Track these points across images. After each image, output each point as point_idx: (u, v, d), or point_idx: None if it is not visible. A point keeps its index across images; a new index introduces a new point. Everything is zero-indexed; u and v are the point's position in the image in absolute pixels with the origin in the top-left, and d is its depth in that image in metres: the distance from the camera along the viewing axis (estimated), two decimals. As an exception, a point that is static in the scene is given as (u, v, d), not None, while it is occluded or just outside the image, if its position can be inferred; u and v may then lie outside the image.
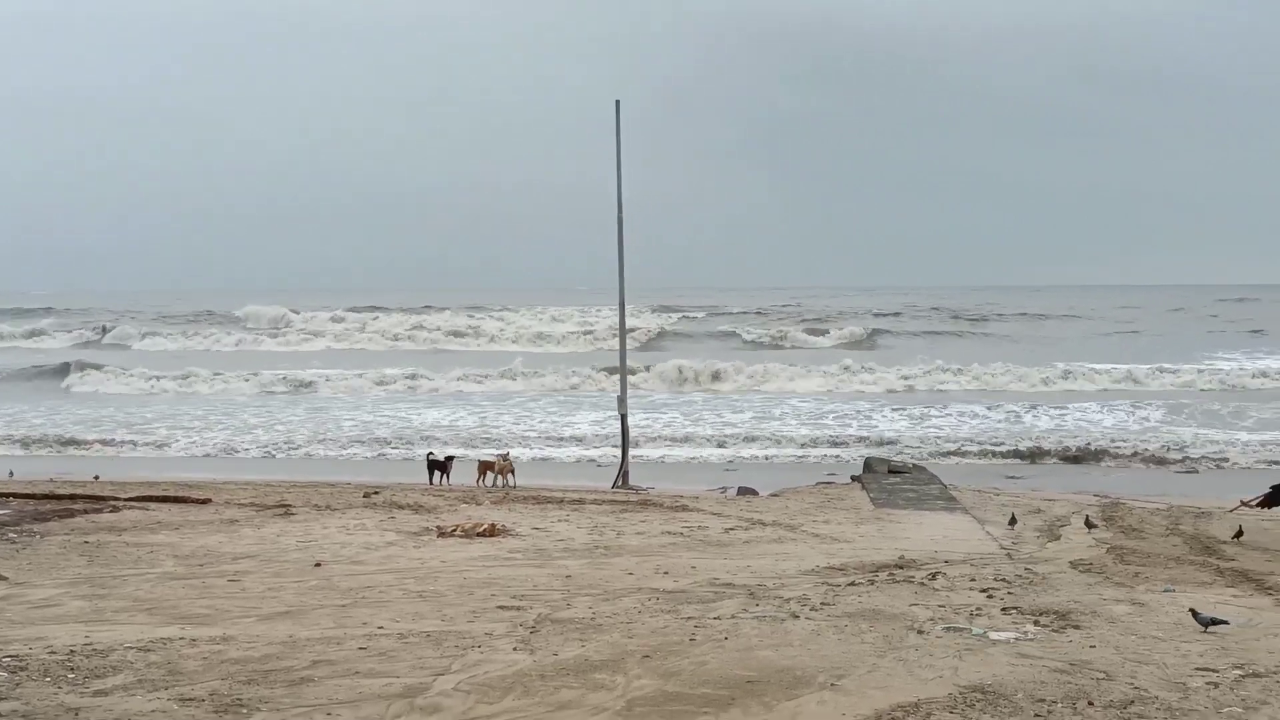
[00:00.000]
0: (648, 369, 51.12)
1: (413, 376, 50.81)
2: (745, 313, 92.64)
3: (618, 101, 26.49)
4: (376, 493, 21.91)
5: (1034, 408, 40.25)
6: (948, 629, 11.42)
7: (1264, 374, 49.93)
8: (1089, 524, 18.39)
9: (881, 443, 32.89)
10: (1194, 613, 11.72)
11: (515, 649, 10.67)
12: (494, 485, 23.85)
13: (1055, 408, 40.30)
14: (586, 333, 75.03)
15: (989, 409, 40.13)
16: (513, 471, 24.30)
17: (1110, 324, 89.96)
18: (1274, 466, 28.88)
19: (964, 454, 31.18)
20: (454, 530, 17.40)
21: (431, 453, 26.28)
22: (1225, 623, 11.53)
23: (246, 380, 50.42)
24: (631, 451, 26.72)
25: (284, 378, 50.80)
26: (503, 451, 26.40)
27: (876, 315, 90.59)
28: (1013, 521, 18.62)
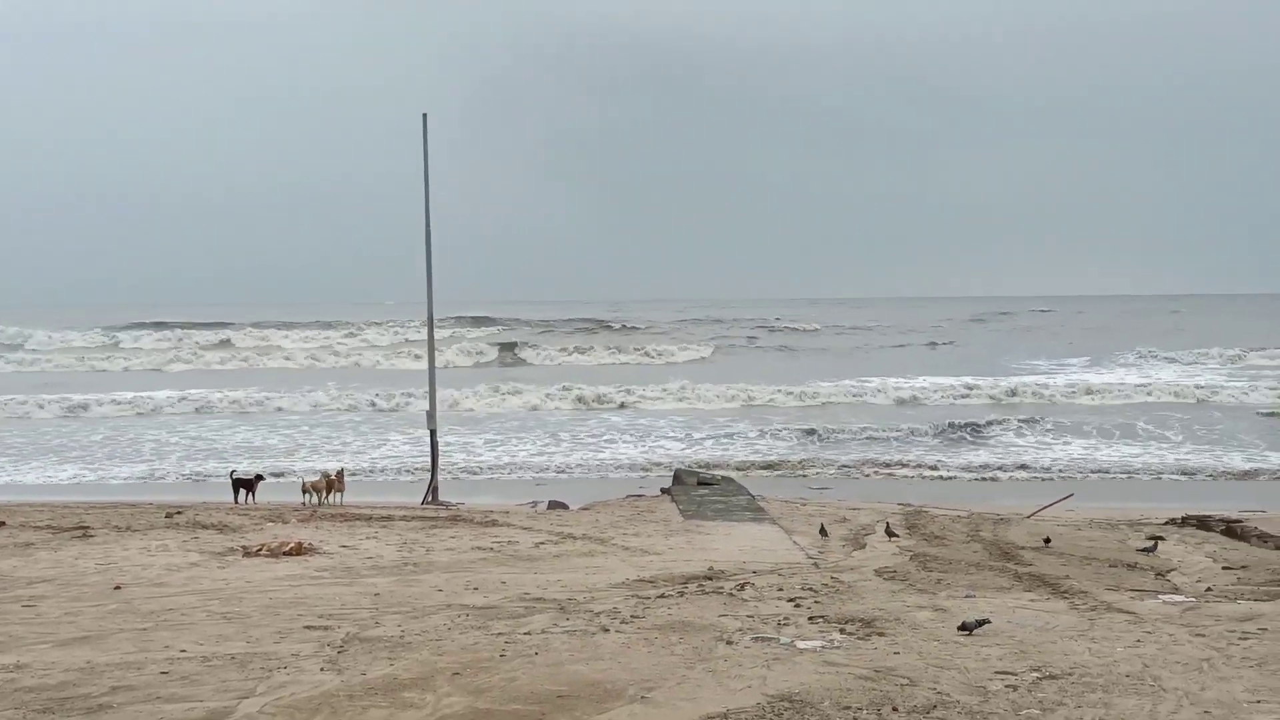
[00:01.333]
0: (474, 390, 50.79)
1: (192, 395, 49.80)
2: (549, 322, 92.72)
3: (425, 115, 26.31)
4: (179, 512, 21.42)
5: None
6: (756, 639, 11.53)
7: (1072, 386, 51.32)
8: (890, 533, 18.76)
9: (707, 463, 33.09)
10: (962, 626, 11.98)
11: (322, 669, 10.50)
12: (319, 503, 23.45)
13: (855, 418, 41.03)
14: (397, 347, 74.53)
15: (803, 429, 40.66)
16: (342, 490, 23.98)
17: (921, 335, 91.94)
18: (1070, 477, 29.79)
19: (775, 467, 31.51)
20: (259, 549, 17.09)
21: (234, 470, 25.76)
22: (988, 621, 11.85)
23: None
24: (442, 466, 26.53)
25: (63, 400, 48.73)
26: (333, 469, 25.89)
27: (684, 321, 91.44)
28: (823, 532, 18.89)
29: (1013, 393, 47.80)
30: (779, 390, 48.28)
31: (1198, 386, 49.47)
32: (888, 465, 31.34)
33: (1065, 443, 35.45)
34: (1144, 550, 17.79)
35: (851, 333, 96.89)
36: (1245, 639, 11.64)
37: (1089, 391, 48.31)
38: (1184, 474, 30.10)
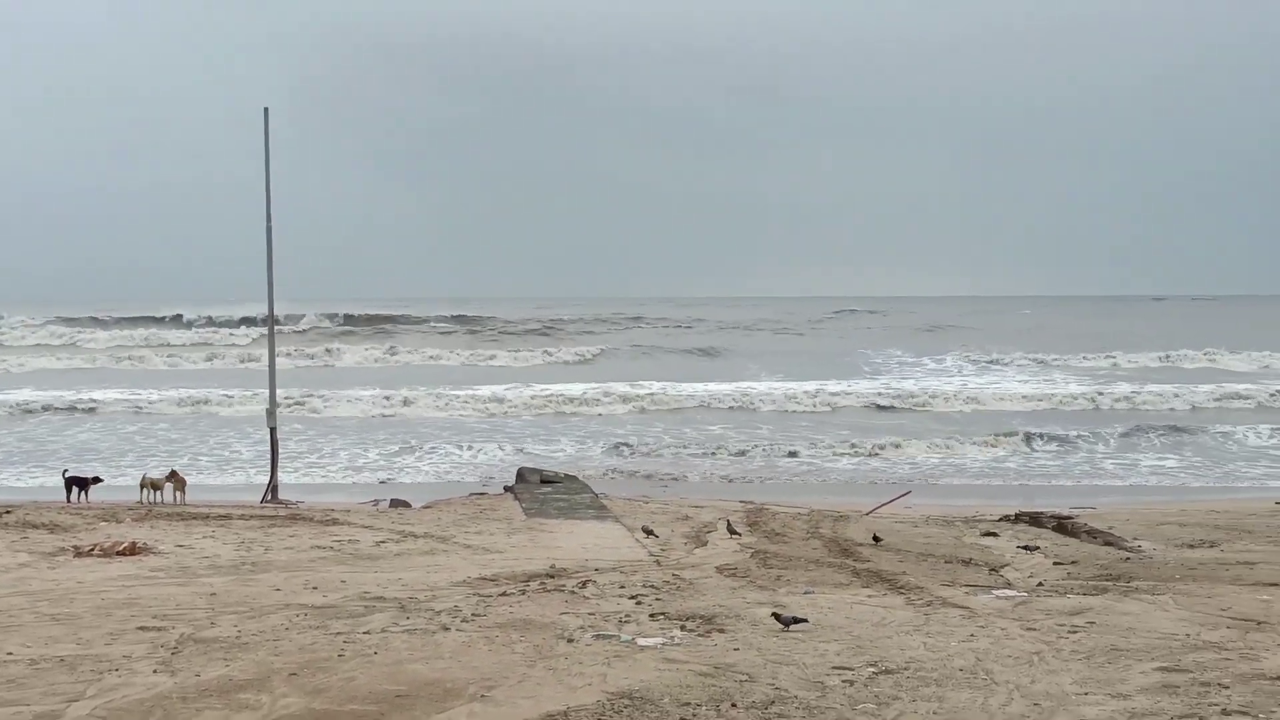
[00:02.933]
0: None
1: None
2: (413, 318, 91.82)
3: (266, 109, 25.92)
4: (9, 511, 20.82)
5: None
6: (597, 636, 11.54)
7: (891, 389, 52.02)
8: (731, 530, 18.90)
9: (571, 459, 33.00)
10: (776, 615, 12.13)
11: (155, 671, 10.29)
12: (155, 501, 22.95)
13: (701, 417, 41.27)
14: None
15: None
16: (183, 488, 23.50)
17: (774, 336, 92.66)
18: (901, 480, 30.28)
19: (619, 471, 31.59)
20: (92, 549, 16.70)
21: (67, 469, 25.16)
22: (805, 620, 12.00)
23: None
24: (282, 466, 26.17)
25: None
26: (171, 469, 25.31)
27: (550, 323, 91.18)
28: (649, 532, 18.93)
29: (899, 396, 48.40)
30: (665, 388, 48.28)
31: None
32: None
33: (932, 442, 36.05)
34: (1024, 547, 18.12)
35: (732, 332, 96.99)
36: (1074, 632, 11.93)
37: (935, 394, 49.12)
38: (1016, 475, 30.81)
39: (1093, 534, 19.08)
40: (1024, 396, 47.64)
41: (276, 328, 28.72)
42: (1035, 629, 12.10)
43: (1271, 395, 47.06)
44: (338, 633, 11.70)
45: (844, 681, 10.06)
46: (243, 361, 64.84)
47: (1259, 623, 12.59)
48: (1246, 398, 47.07)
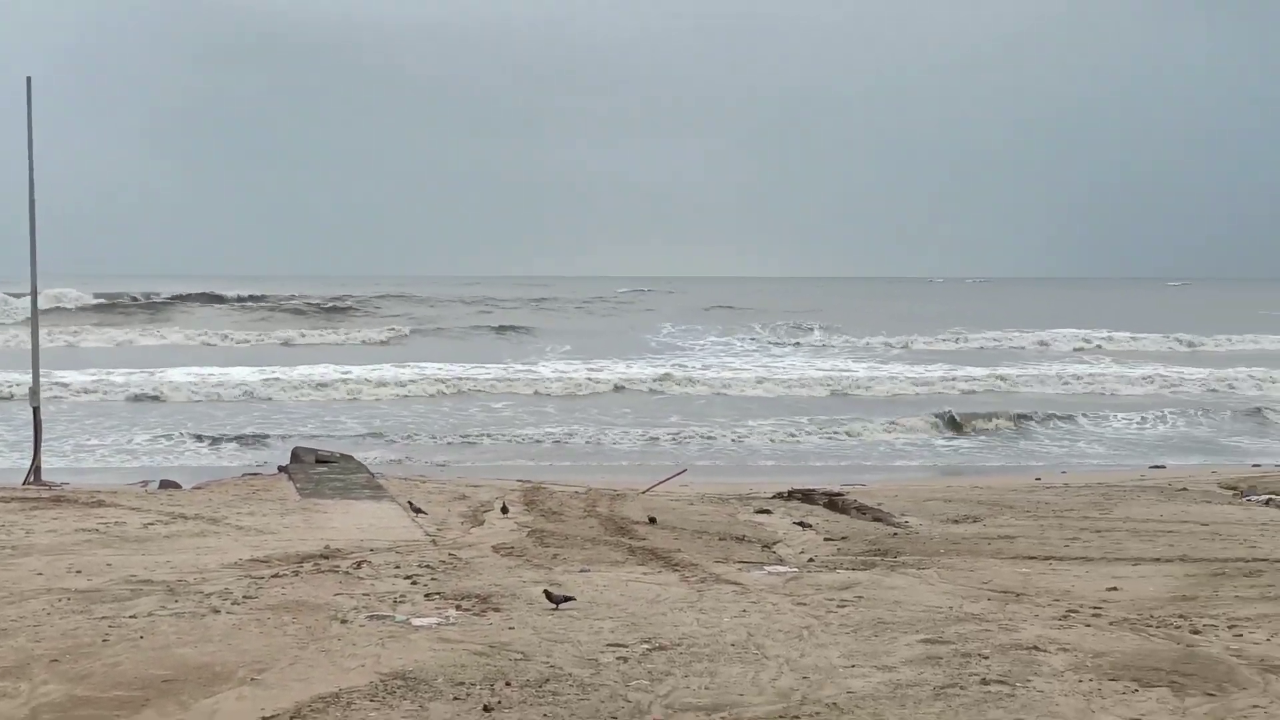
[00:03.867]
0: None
1: None
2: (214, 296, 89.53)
3: (29, 78, 25.00)
4: None
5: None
6: (371, 617, 11.44)
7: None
8: (504, 509, 18.86)
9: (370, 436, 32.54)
10: (548, 594, 12.18)
11: (-94, 660, 9.89)
12: None
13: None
14: None
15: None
16: None
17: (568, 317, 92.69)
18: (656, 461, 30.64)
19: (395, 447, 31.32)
20: None
21: None
22: (573, 599, 12.07)
23: None
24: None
25: None
26: None
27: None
28: (416, 509, 18.80)
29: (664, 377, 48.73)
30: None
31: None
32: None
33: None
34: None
35: (522, 310, 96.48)
36: (843, 606, 12.21)
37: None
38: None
39: (862, 510, 19.54)
40: (816, 380, 48.25)
41: (41, 307, 27.74)
42: (805, 604, 12.35)
43: (1064, 381, 48.49)
44: (102, 617, 11.38)
45: (618, 659, 10.14)
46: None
47: (1018, 594, 13.06)
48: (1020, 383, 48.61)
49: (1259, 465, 27.52)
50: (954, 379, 48.26)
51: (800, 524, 18.42)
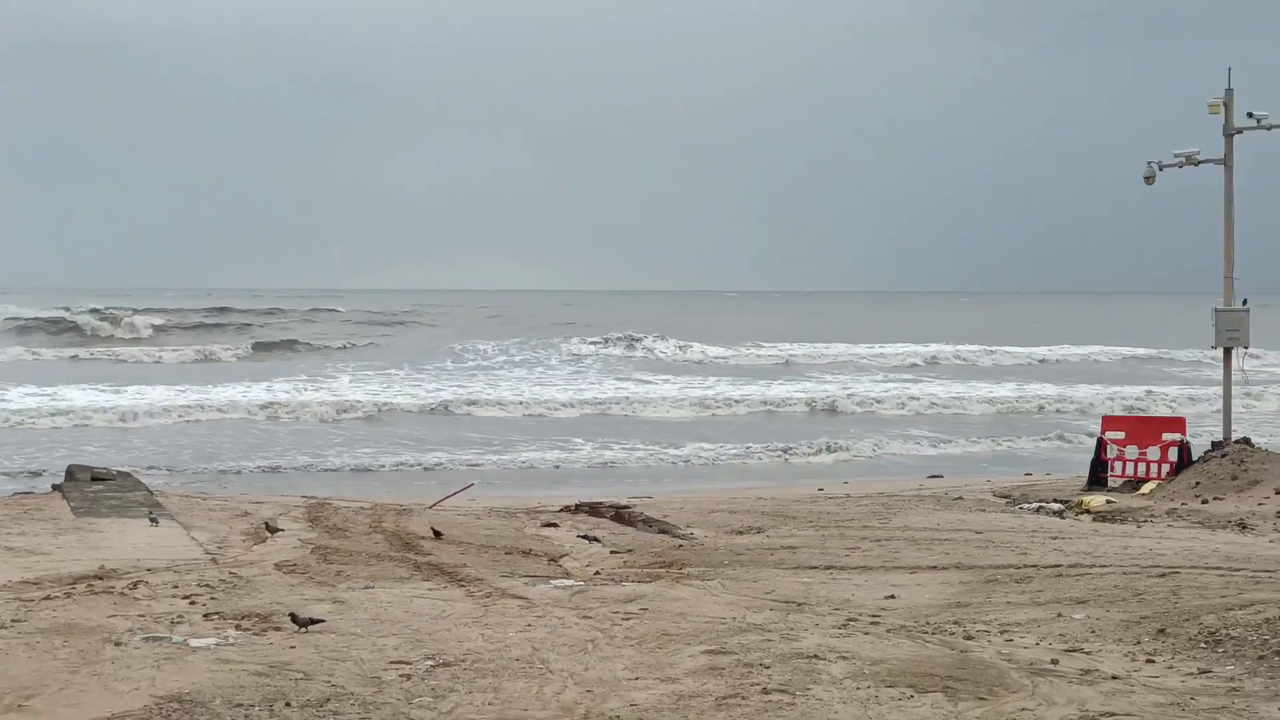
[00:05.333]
0: None
1: None
2: None
3: None
4: None
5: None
6: (147, 639, 11.14)
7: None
8: (269, 528, 18.21)
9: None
10: (293, 617, 11.97)
11: None
12: None
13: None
14: None
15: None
16: None
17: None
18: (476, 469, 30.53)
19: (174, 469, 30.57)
20: None
21: None
22: (322, 620, 11.89)
23: None
24: None
25: None
26: None
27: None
28: (154, 521, 18.37)
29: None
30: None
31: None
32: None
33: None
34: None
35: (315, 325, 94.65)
36: (628, 619, 12.28)
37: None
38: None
39: (648, 522, 19.68)
40: (585, 400, 48.07)
41: None
42: (591, 617, 12.39)
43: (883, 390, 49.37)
44: None
45: (401, 676, 10.05)
46: None
47: (799, 604, 13.30)
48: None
49: (1030, 474, 28.43)
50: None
51: (587, 537, 18.48)
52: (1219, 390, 25.95)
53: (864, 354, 71.85)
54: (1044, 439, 36.60)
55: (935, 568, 15.54)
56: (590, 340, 78.13)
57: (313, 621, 11.78)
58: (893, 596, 13.77)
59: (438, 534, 18.24)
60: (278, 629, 11.61)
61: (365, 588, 13.86)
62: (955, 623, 12.35)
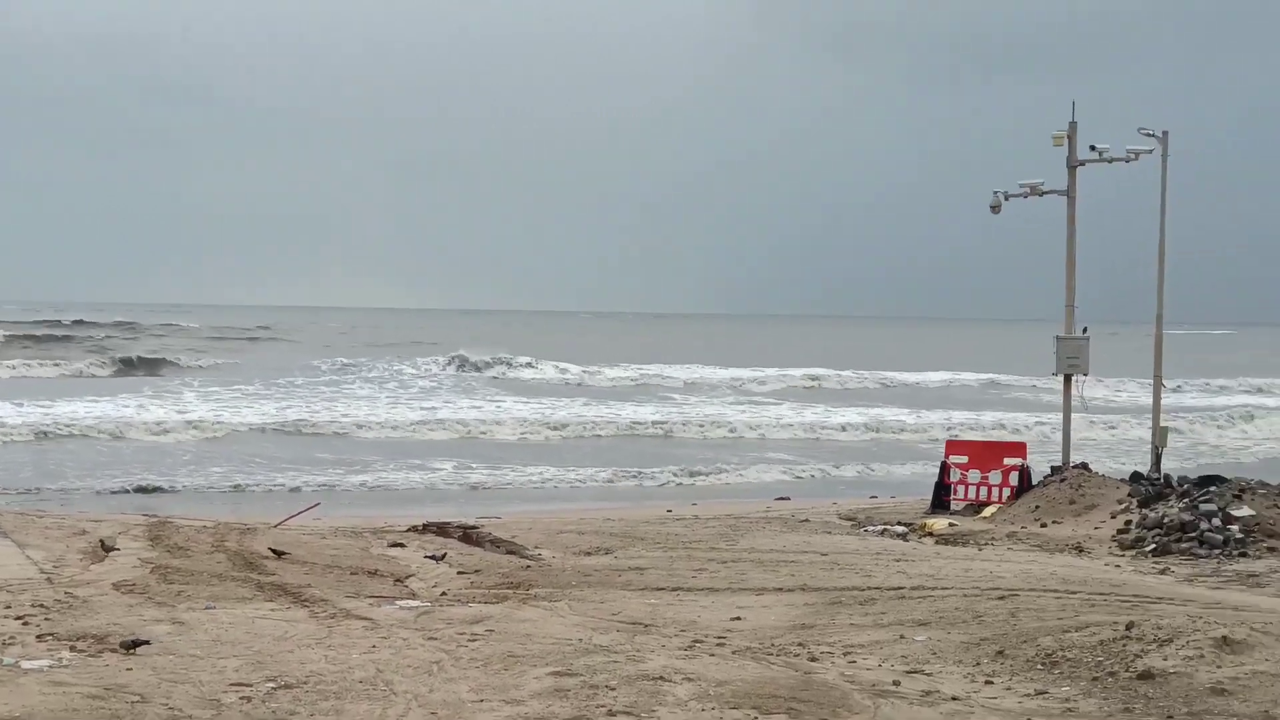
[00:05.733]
0: None
1: None
2: None
3: None
4: None
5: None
6: (-24, 661, 10.85)
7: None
8: (105, 546, 17.75)
9: None
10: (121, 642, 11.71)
11: None
12: None
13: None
14: None
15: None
16: None
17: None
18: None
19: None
20: None
21: None
22: (148, 643, 11.65)
23: None
24: None
25: None
26: None
27: None
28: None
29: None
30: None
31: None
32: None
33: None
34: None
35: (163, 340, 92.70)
36: (474, 640, 12.22)
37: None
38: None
39: (496, 543, 19.58)
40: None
41: None
42: (436, 638, 12.31)
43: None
44: None
45: (242, 698, 9.89)
46: None
47: (646, 625, 13.32)
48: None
49: (875, 496, 28.81)
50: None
51: (434, 557, 18.33)
52: (1070, 416, 26.42)
53: (721, 376, 72.40)
54: (900, 464, 37.02)
55: (781, 589, 15.66)
56: (442, 359, 77.66)
57: (137, 644, 11.51)
58: (739, 618, 13.84)
59: (279, 553, 17.95)
60: (114, 650, 11.36)
61: (206, 608, 13.62)
62: (800, 644, 12.46)
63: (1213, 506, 19.99)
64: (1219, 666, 10.99)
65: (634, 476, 33.40)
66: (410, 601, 14.64)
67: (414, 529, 21.61)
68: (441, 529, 21.22)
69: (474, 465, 34.45)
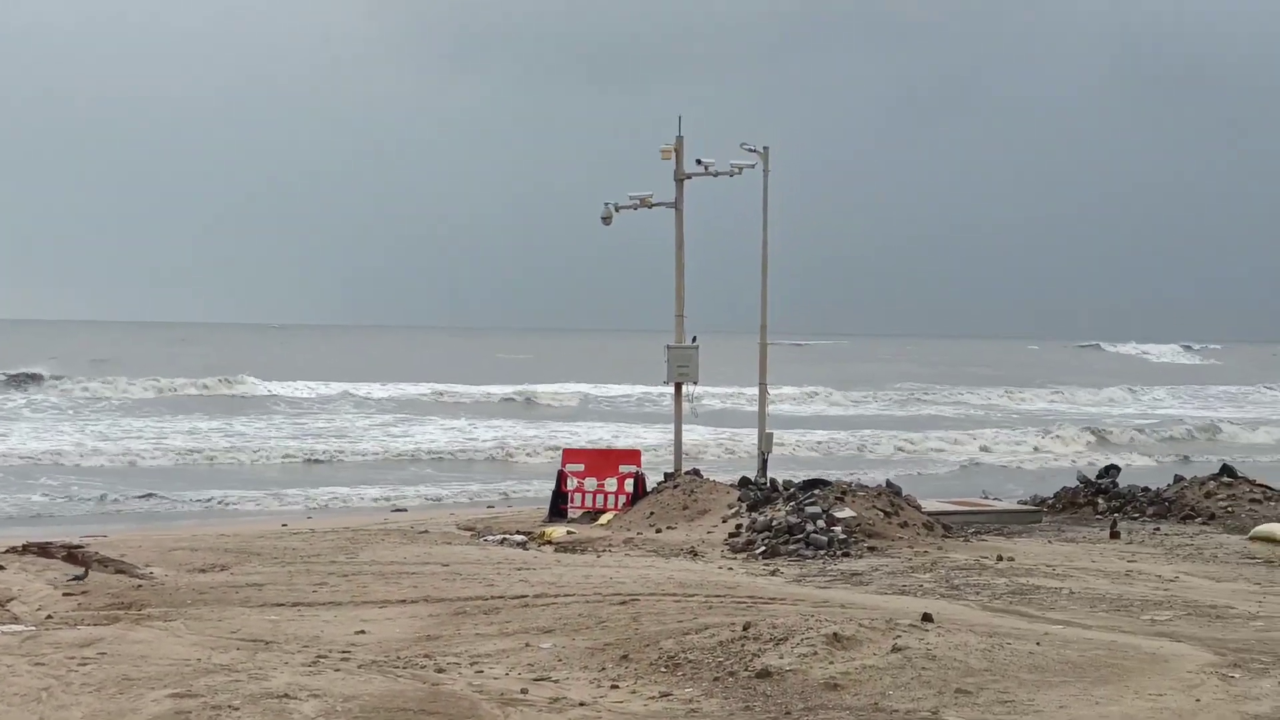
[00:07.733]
0: None
1: None
2: None
3: None
4: None
5: None
6: None
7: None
8: None
9: None
10: None
11: None
12: None
13: None
14: None
15: None
16: None
17: None
18: None
19: None
20: None
21: None
22: None
23: None
24: None
25: None
26: None
27: None
28: None
29: None
30: None
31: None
32: None
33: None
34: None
35: None
36: (84, 664, 11.68)
37: None
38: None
39: (104, 562, 18.75)
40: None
41: None
42: (44, 664, 11.71)
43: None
44: None
45: None
46: None
47: (267, 642, 13.02)
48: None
49: (493, 506, 28.98)
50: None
51: (78, 578, 17.37)
52: (681, 423, 27.11)
53: (324, 391, 71.18)
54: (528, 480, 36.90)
55: (405, 601, 15.56)
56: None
57: None
58: (363, 632, 13.68)
59: None
60: None
61: None
62: (426, 656, 12.41)
63: (817, 509, 20.90)
64: (831, 662, 11.51)
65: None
66: (13, 626, 13.85)
67: (13, 550, 20.45)
68: (43, 549, 20.14)
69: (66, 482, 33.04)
